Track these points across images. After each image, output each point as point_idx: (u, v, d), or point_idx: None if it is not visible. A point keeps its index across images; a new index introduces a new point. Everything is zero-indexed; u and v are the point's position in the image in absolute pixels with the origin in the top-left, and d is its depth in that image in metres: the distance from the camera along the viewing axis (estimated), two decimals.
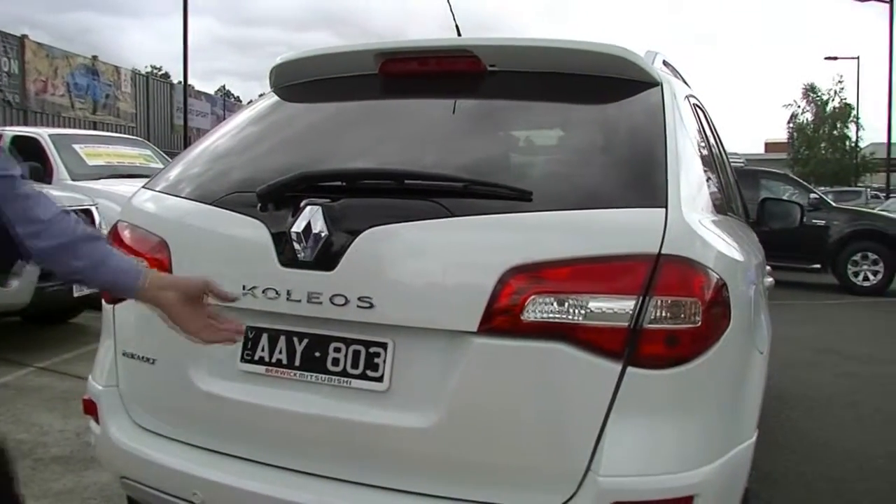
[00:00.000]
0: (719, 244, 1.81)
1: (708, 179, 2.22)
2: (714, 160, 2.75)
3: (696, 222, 1.73)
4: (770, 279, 2.87)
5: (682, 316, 1.58)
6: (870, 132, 63.42)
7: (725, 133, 3.63)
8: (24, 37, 15.22)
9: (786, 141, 42.30)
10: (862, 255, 10.61)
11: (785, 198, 11.07)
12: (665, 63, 2.59)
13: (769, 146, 51.22)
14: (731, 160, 4.92)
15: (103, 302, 2.26)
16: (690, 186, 1.85)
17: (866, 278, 10.59)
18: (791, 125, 40.87)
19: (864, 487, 3.38)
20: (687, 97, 2.48)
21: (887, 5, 22.96)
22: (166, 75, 20.98)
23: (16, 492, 1.70)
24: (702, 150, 2.33)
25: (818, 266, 10.80)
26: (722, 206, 2.38)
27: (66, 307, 6.06)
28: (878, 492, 3.35)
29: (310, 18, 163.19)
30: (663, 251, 1.61)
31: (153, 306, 1.58)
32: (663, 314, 1.57)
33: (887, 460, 3.73)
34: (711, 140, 2.90)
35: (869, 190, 30.70)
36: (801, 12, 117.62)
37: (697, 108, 2.70)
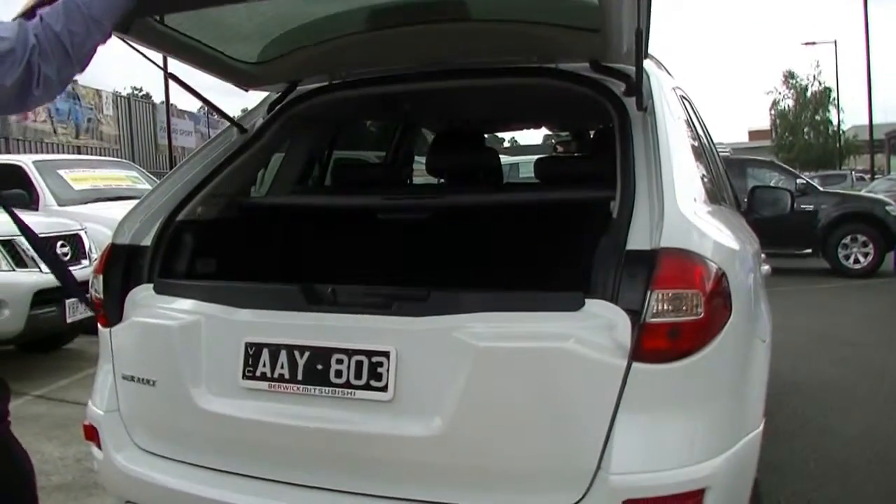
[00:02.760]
0: (716, 234, 1.80)
1: (699, 170, 2.22)
2: (704, 150, 2.76)
3: (691, 213, 1.73)
4: (767, 267, 2.88)
5: (685, 308, 1.58)
6: (851, 114, 63.71)
7: (710, 123, 3.65)
8: None
9: (769, 128, 42.54)
10: (851, 237, 10.64)
11: (773, 185, 11.16)
12: (649, 56, 2.60)
13: (753, 134, 51.42)
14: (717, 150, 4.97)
15: (100, 326, 2.25)
16: (683, 178, 1.85)
17: (857, 260, 10.61)
18: (773, 112, 41.09)
19: (868, 473, 3.38)
20: (673, 89, 2.49)
21: None
22: (147, 95, 20.89)
23: None
24: (692, 142, 2.34)
25: (809, 251, 10.82)
26: (714, 195, 2.39)
27: (60, 333, 6.01)
28: (882, 477, 3.35)
29: None
30: (661, 244, 1.60)
31: None
32: (665, 308, 1.57)
33: (887, 444, 3.73)
34: (700, 131, 2.91)
35: (853, 172, 30.87)
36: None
37: (684, 100, 2.71)
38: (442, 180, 3.33)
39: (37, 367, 5.71)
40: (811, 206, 10.74)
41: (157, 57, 2.29)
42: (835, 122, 37.74)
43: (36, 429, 4.12)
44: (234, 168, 2.41)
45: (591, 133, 4.12)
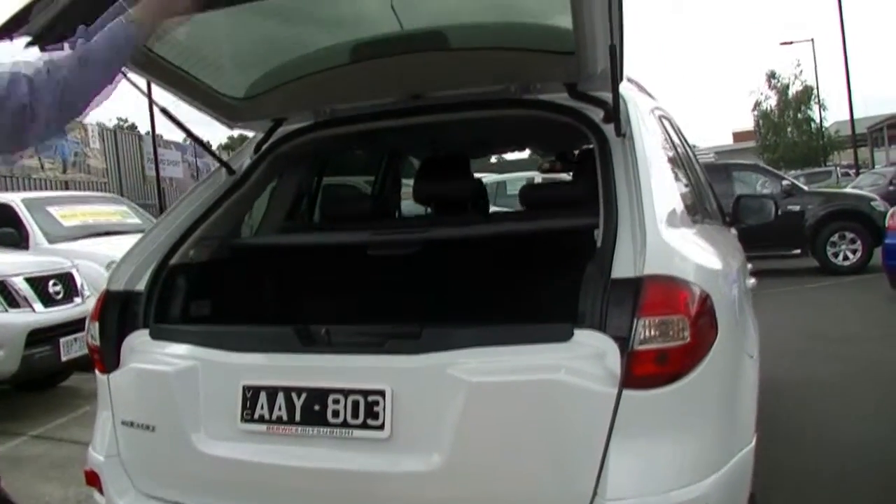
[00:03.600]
0: (698, 256, 1.84)
1: (680, 191, 2.26)
2: (685, 168, 2.80)
3: (673, 238, 1.77)
4: (752, 280, 2.92)
5: (671, 333, 1.62)
6: (833, 110, 64.18)
7: (694, 127, 3.69)
8: None
9: (753, 129, 42.77)
10: (839, 235, 10.73)
11: (758, 188, 11.25)
12: (629, 80, 2.65)
13: (737, 136, 51.66)
14: (701, 156, 5.02)
15: (97, 373, 2.26)
16: (664, 202, 1.88)
17: (846, 258, 10.70)
18: (756, 113, 41.36)
19: (864, 478, 3.39)
20: (652, 110, 2.53)
21: None
22: (133, 127, 20.81)
23: None
24: (672, 163, 2.38)
25: (798, 251, 10.92)
26: (696, 214, 2.43)
27: (55, 371, 6.00)
28: (878, 481, 3.37)
29: None
30: (645, 271, 1.64)
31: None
32: (652, 334, 1.61)
33: (885, 447, 3.75)
34: (680, 149, 2.95)
35: (838, 168, 31.09)
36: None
37: (663, 120, 2.75)
38: (429, 209, 3.38)
39: (33, 406, 5.69)
40: (798, 207, 10.83)
41: (147, 89, 2.33)
42: (817, 119, 38.03)
43: (34, 469, 4.11)
44: (224, 210, 2.45)
45: (576, 152, 4.17)
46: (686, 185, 2.54)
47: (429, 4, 2.23)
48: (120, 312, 2.20)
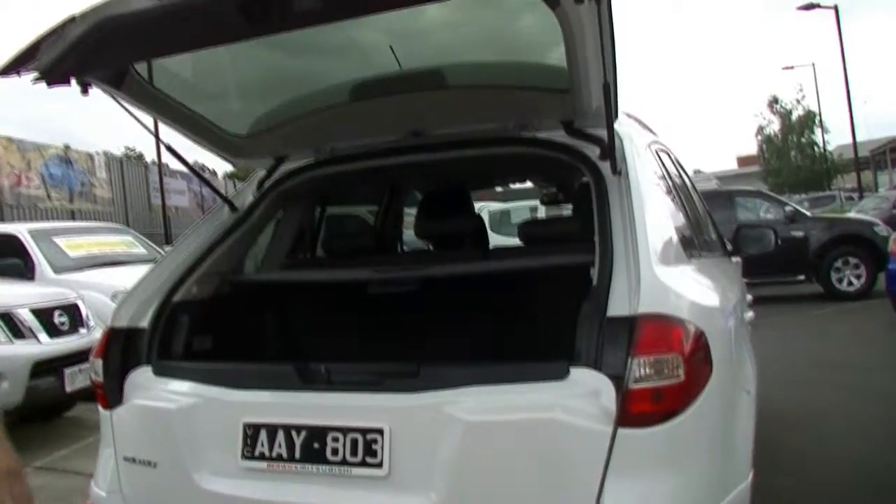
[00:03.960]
0: (693, 293, 1.86)
1: (676, 225, 2.27)
2: (683, 201, 2.81)
3: (668, 275, 1.79)
4: (751, 313, 2.92)
5: (666, 372, 1.63)
6: (836, 134, 64.26)
7: (699, 152, 3.72)
8: None
9: (757, 154, 42.86)
10: (843, 260, 10.72)
11: (761, 214, 11.26)
12: (628, 115, 2.68)
13: (742, 160, 51.78)
14: (703, 182, 5.00)
15: (100, 408, 2.28)
16: (658, 240, 1.91)
17: (850, 283, 10.67)
18: (759, 138, 41.48)
19: None
20: (649, 145, 2.55)
21: (833, 11, 23.47)
22: (140, 156, 20.93)
23: None
24: (668, 198, 2.40)
25: (802, 277, 10.90)
26: (693, 248, 2.44)
27: (60, 402, 6.01)
28: None
29: None
30: (639, 310, 1.66)
31: None
32: (646, 372, 1.62)
33: (891, 475, 3.73)
34: (678, 182, 2.98)
35: (842, 192, 31.10)
36: (753, 25, 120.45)
37: (661, 153, 2.77)
38: (429, 245, 3.43)
39: (37, 437, 5.69)
40: (801, 233, 10.82)
41: (154, 126, 2.37)
42: (820, 143, 38.09)
43: (38, 501, 4.07)
44: (227, 247, 2.49)
45: (575, 185, 4.20)
46: (684, 219, 2.56)
47: (426, 44, 2.28)
48: (123, 349, 2.23)
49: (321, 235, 3.61)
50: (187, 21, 1.71)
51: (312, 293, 2.88)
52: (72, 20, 1.70)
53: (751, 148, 44.43)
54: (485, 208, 10.46)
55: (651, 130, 3.07)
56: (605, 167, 2.13)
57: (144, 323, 2.27)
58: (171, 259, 2.46)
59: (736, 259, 3.57)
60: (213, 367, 2.21)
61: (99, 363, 2.25)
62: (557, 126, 2.31)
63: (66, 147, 17.29)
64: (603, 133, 2.11)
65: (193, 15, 1.66)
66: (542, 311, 2.53)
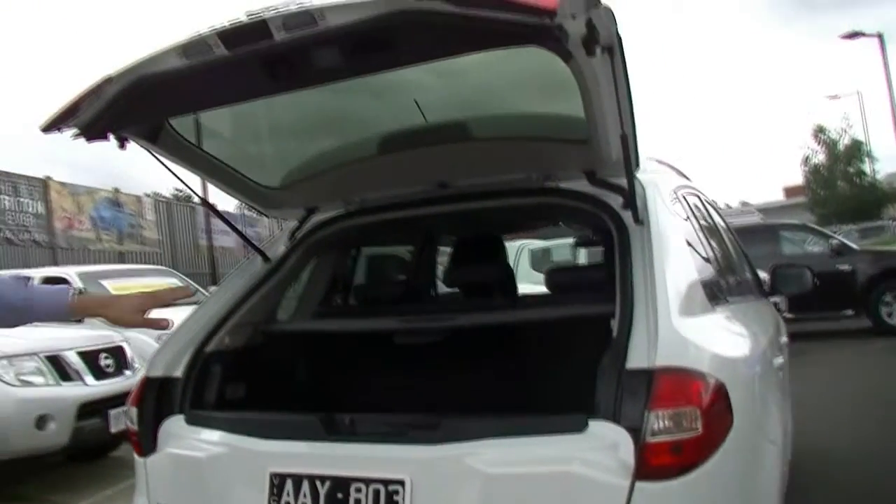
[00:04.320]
0: (714, 344, 1.85)
1: (702, 273, 2.26)
2: (711, 247, 2.79)
3: (687, 327, 1.79)
4: (780, 359, 2.86)
5: (684, 425, 1.63)
6: (885, 162, 62.45)
7: (744, 185, 3.68)
8: (48, 178, 15.84)
9: (803, 184, 42.08)
10: (893, 294, 10.44)
11: (806, 249, 11.03)
12: (658, 161, 2.69)
13: (789, 191, 50.86)
14: (746, 217, 4.89)
15: (135, 456, 2.34)
16: (679, 290, 1.91)
17: None
18: (805, 168, 40.75)
19: None
20: (676, 190, 2.55)
21: (877, 39, 23.12)
22: (188, 198, 21.43)
23: None
24: (694, 245, 2.39)
25: (851, 312, 10.62)
26: (720, 294, 2.42)
27: (105, 443, 6.13)
28: None
29: None
30: (657, 363, 1.67)
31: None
32: (664, 426, 1.62)
33: None
34: (708, 226, 2.96)
35: (893, 222, 30.31)
36: (797, 56, 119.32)
37: (689, 198, 2.77)
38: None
39: (83, 477, 5.80)
40: (848, 266, 10.58)
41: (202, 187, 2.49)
42: (868, 172, 37.25)
43: None
44: (259, 297, 2.55)
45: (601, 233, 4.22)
46: (711, 266, 2.53)
47: (450, 98, 2.33)
48: (157, 398, 2.29)
49: (354, 282, 3.68)
50: (215, 79, 1.78)
51: (341, 341, 2.93)
52: (108, 80, 1.78)
53: (798, 177, 43.65)
54: (525, 246, 10.41)
55: (682, 174, 3.07)
56: (627, 216, 2.14)
57: (178, 372, 2.33)
58: (205, 309, 2.54)
59: (774, 299, 3.53)
60: (242, 416, 2.27)
61: (134, 411, 2.32)
62: (581, 176, 2.34)
63: (116, 190, 17.80)
64: (626, 182, 2.13)
65: (220, 73, 1.73)
66: (564, 361, 2.53)
